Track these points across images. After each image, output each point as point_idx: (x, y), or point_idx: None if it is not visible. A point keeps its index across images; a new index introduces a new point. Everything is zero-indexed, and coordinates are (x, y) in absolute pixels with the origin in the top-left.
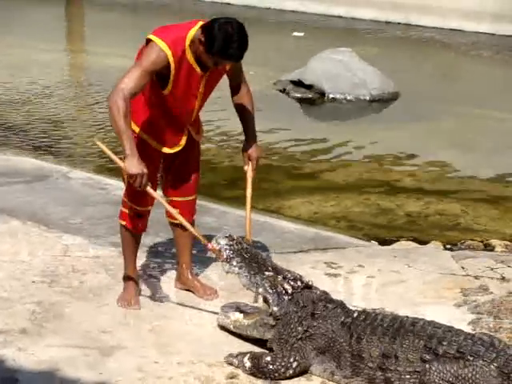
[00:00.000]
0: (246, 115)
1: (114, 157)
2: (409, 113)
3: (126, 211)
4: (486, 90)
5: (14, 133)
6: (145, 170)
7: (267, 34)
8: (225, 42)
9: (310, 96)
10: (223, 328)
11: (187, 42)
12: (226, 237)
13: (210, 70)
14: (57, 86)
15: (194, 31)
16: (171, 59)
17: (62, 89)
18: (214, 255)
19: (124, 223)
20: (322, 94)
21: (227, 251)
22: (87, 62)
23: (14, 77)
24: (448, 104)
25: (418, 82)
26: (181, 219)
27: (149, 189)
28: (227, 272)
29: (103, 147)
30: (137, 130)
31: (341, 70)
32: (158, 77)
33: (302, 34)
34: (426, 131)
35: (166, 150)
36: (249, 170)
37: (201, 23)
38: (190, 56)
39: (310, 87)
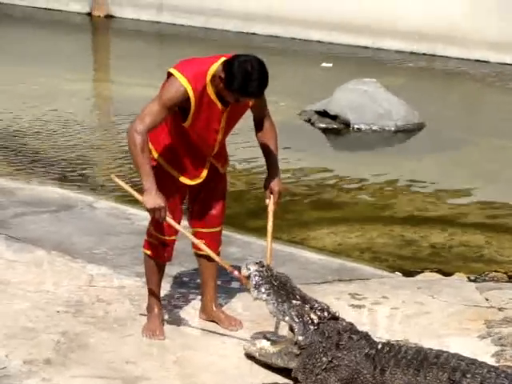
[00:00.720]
0: (269, 149)
1: (131, 191)
2: (433, 143)
3: (151, 240)
4: (510, 121)
5: (39, 162)
6: (162, 204)
7: (293, 65)
8: (244, 80)
9: (335, 126)
10: (248, 359)
11: (208, 78)
12: (257, 263)
13: (231, 104)
14: (82, 116)
15: (215, 66)
16: (191, 94)
17: (88, 118)
18: (239, 283)
19: (149, 252)
20: (347, 124)
21: (256, 277)
22: (112, 91)
23: (39, 107)
24: (473, 134)
25: (443, 113)
26: (204, 248)
27: (169, 220)
28: (255, 298)
29: (120, 182)
30: (160, 160)
31: (366, 101)
32: (180, 109)
33: (330, 65)
34: (451, 161)
35: (187, 181)
36: (270, 203)
37: (223, 59)
38: (210, 91)
39: (335, 118)
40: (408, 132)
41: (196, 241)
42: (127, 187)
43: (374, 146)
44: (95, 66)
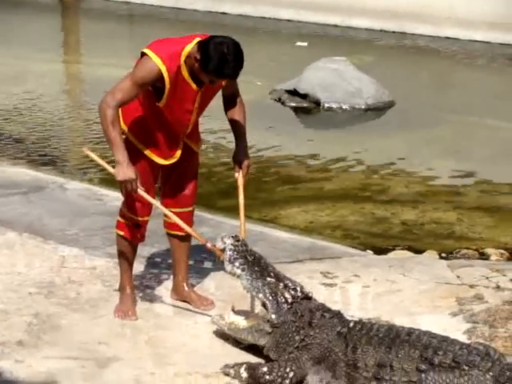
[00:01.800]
0: (237, 125)
1: (103, 163)
2: (404, 121)
3: (124, 221)
4: (480, 99)
5: (9, 144)
6: (133, 176)
7: (263, 44)
8: (220, 62)
9: (306, 105)
10: (220, 338)
11: (182, 58)
12: (232, 236)
13: (205, 85)
14: (52, 97)
15: (189, 47)
16: (166, 74)
17: (58, 99)
18: (212, 263)
19: (121, 233)
20: (317, 103)
21: (231, 251)
22: (83, 72)
23: (8, 87)
24: (443, 112)
25: (413, 91)
26: (177, 220)
27: (141, 192)
28: (229, 272)
29: (92, 155)
30: (134, 140)
31: (336, 79)
32: (154, 88)
33: (305, 44)
34: (421, 140)
35: (161, 161)
36: (240, 177)
37: (197, 39)
38: (185, 72)
39: (305, 96)
40: (378, 110)
41: (169, 213)
42: (99, 160)
43: (344, 124)
44: (65, 47)
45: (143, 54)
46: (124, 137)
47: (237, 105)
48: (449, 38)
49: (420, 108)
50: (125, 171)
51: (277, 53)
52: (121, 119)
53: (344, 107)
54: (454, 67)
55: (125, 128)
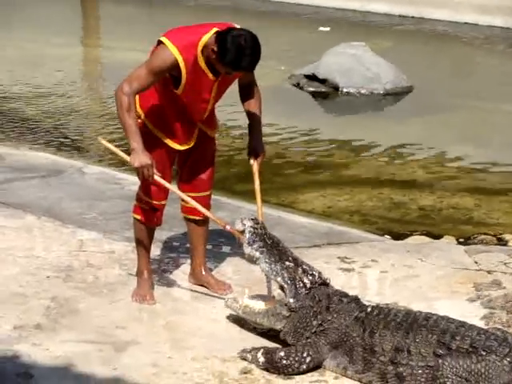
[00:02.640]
0: (253, 113)
1: (118, 152)
2: (422, 106)
3: (141, 205)
4: (499, 84)
5: (28, 128)
6: (149, 162)
7: (283, 28)
8: (237, 55)
9: (324, 90)
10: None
11: (199, 48)
12: (252, 219)
13: (221, 74)
14: (71, 81)
15: (207, 37)
16: (182, 64)
17: (77, 83)
18: (230, 248)
19: (138, 217)
20: (336, 88)
21: (250, 234)
22: (102, 56)
23: (27, 71)
24: (461, 98)
25: (432, 76)
26: (195, 204)
27: (158, 178)
28: (247, 255)
29: (107, 144)
30: (149, 125)
31: (354, 64)
32: (171, 76)
33: (328, 29)
34: (440, 125)
35: (176, 146)
36: (255, 164)
37: (215, 29)
38: (201, 62)
39: (323, 81)
40: (397, 95)
41: (186, 197)
42: (114, 148)
43: (362, 109)
44: (84, 31)
45: (160, 42)
46: (140, 121)
47: (253, 94)
48: (468, 23)
49: (438, 93)
50: (140, 158)
51: (296, 37)
52: (137, 105)
53: (362, 92)
54: (472, 53)
55: (141, 113)
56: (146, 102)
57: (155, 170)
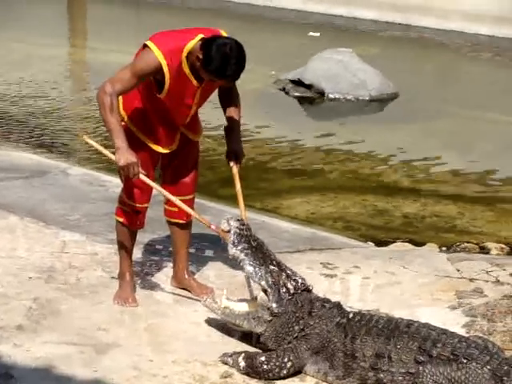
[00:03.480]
0: (233, 115)
1: (103, 150)
2: (407, 113)
3: (123, 208)
4: (484, 92)
5: (13, 128)
6: (134, 160)
7: (269, 33)
8: (222, 64)
9: (310, 95)
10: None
11: (184, 54)
12: (238, 220)
13: (205, 81)
14: (57, 82)
15: (192, 44)
16: (166, 69)
17: (63, 84)
18: (212, 252)
19: (121, 220)
20: (322, 93)
21: (236, 234)
22: (88, 57)
23: (14, 72)
24: (446, 105)
25: (418, 83)
26: (180, 204)
27: (143, 177)
28: (232, 256)
29: (92, 142)
30: (132, 127)
31: (341, 70)
32: (155, 80)
33: (318, 34)
34: (425, 132)
35: (159, 149)
36: (234, 166)
37: (200, 36)
38: (186, 67)
39: (309, 87)
40: (382, 102)
41: (171, 197)
42: (99, 147)
43: (348, 115)
44: (71, 32)
45: (145, 46)
46: (123, 124)
47: (232, 96)
48: (454, 31)
49: (423, 100)
50: (126, 156)
51: (282, 42)
52: (121, 107)
53: (348, 98)
54: (458, 60)
55: (124, 116)
56: (130, 105)
57: (141, 169)
